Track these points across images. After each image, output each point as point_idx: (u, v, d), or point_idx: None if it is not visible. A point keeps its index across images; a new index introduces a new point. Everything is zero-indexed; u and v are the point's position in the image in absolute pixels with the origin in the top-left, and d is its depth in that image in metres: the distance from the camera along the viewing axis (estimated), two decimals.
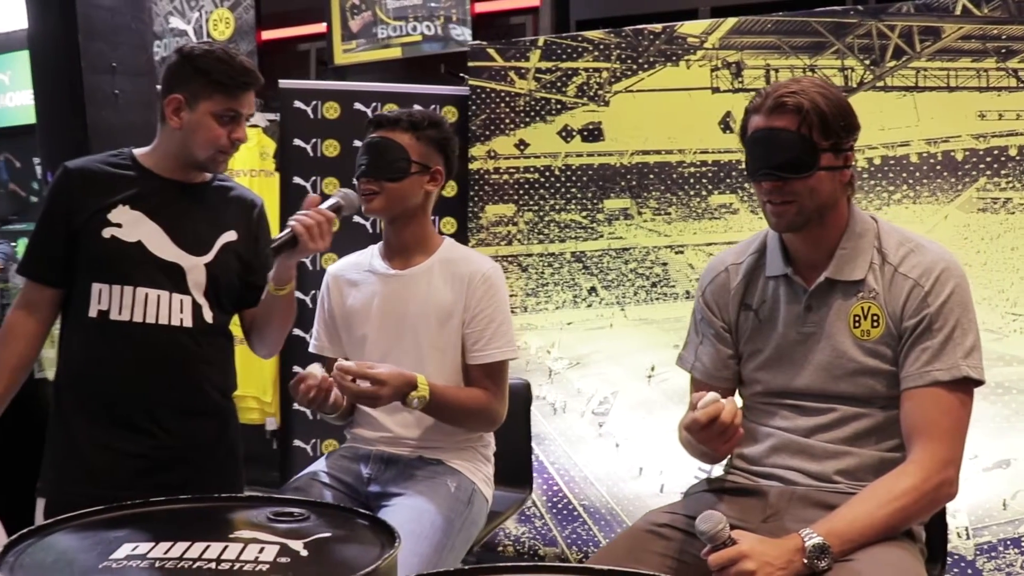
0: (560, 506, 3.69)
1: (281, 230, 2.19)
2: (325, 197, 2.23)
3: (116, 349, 2.20)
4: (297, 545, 1.57)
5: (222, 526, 1.69)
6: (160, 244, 2.21)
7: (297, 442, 3.86)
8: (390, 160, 2.26)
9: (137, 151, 2.30)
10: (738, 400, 1.91)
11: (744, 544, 1.62)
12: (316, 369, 2.15)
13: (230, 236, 2.29)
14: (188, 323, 2.22)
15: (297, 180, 3.91)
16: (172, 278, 2.21)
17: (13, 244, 6.13)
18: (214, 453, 2.30)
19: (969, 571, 3.12)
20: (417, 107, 2.49)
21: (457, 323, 2.30)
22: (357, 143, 3.83)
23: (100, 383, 2.22)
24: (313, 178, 3.87)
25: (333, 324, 2.41)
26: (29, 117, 6.95)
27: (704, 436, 1.75)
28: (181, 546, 1.53)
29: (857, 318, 1.87)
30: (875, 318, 1.86)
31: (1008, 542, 3.10)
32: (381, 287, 2.35)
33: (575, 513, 3.68)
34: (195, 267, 2.23)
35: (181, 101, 2.18)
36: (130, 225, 2.20)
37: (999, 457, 3.14)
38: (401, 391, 2.12)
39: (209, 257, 2.26)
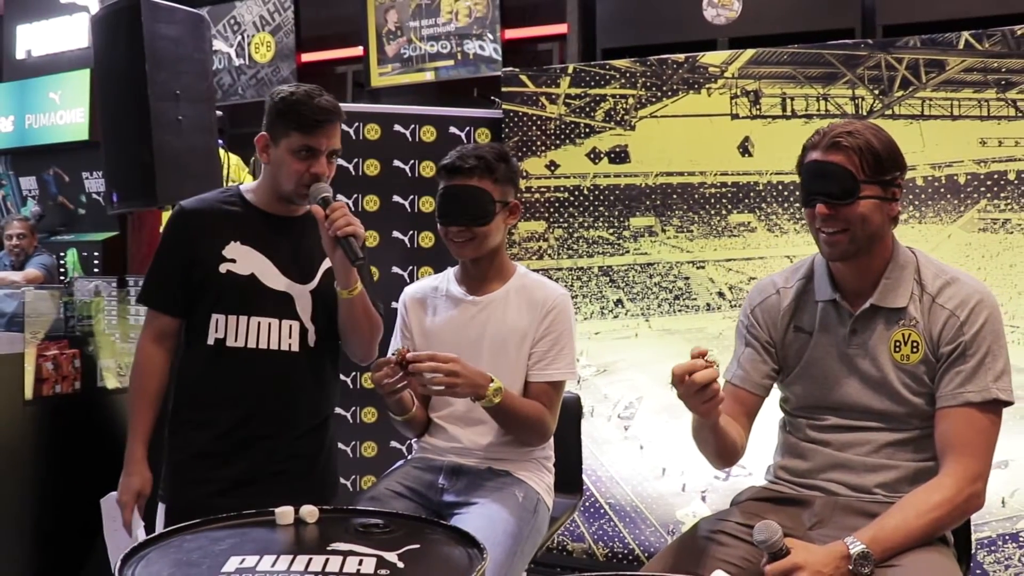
0: (588, 504, 3.69)
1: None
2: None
3: (230, 372, 2.23)
4: (392, 557, 1.57)
5: (317, 539, 1.69)
6: (271, 276, 2.25)
7: (338, 444, 3.84)
8: (477, 206, 2.25)
9: (244, 188, 2.35)
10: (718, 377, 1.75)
11: (798, 556, 1.64)
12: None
13: (330, 262, 2.29)
14: (296, 348, 2.25)
15: (340, 197, 3.88)
16: (282, 306, 2.25)
17: (62, 255, 6.13)
18: (314, 465, 2.32)
19: (971, 564, 3.12)
20: (483, 144, 2.42)
21: (528, 344, 2.30)
22: (397, 163, 3.88)
23: (214, 402, 2.25)
24: (355, 195, 3.86)
25: (413, 343, 2.40)
26: (78, 134, 7.02)
27: (682, 392, 1.68)
28: (285, 559, 1.53)
29: (898, 343, 1.89)
30: (915, 344, 1.88)
31: (1007, 537, 3.12)
32: (458, 312, 2.35)
33: (602, 511, 3.68)
34: (302, 294, 2.27)
35: (267, 139, 2.22)
36: (243, 260, 2.23)
37: (998, 458, 3.07)
38: (476, 384, 2.10)
39: (314, 284, 2.29)
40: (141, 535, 2.20)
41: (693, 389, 1.66)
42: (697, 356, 1.67)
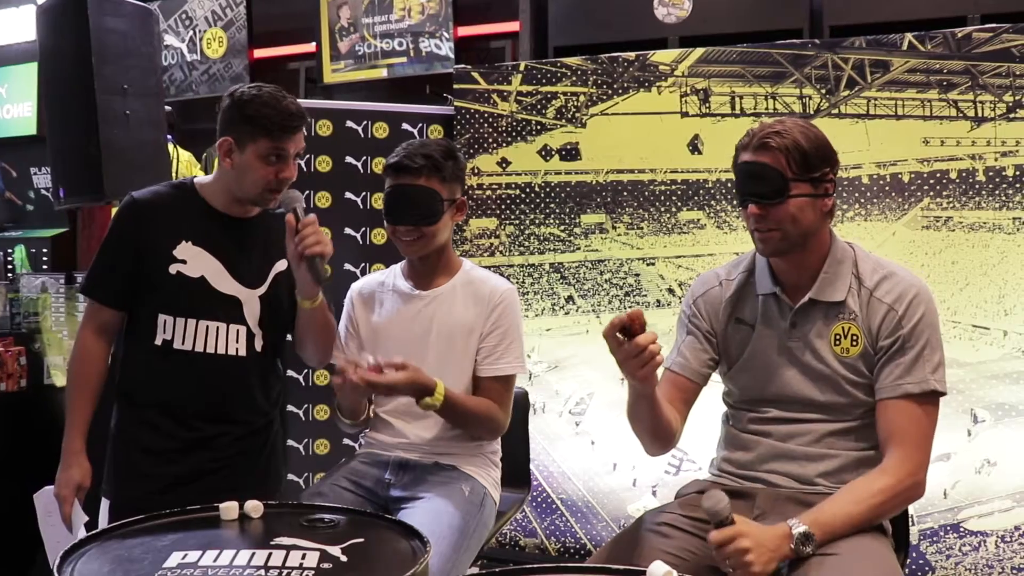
0: (540, 499, 3.71)
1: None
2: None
3: (176, 373, 2.21)
4: (335, 551, 1.57)
5: (261, 533, 1.69)
6: (220, 279, 2.22)
7: (291, 442, 3.82)
8: (426, 205, 2.24)
9: (199, 182, 2.29)
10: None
11: (742, 525, 1.68)
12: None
13: (281, 266, 2.29)
14: (242, 352, 2.24)
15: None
16: (230, 310, 2.23)
17: (10, 251, 6.02)
18: (258, 462, 2.32)
19: (914, 554, 3.19)
20: (429, 140, 2.39)
21: (476, 339, 2.30)
22: (349, 159, 3.87)
23: (159, 401, 2.23)
24: (307, 191, 3.83)
25: (359, 339, 2.40)
26: (26, 128, 6.89)
27: (621, 355, 1.71)
28: (228, 554, 1.54)
29: (838, 337, 1.93)
30: (854, 338, 1.92)
31: (948, 527, 3.18)
32: (405, 306, 2.35)
33: (554, 506, 3.70)
34: (251, 298, 2.24)
35: (231, 143, 2.16)
36: (194, 261, 2.20)
37: (939, 451, 3.20)
38: (415, 391, 2.13)
39: (263, 289, 2.26)
40: (82, 530, 2.18)
41: (634, 352, 1.68)
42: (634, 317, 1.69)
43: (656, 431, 1.95)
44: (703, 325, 2.07)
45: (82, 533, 2.18)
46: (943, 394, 1.89)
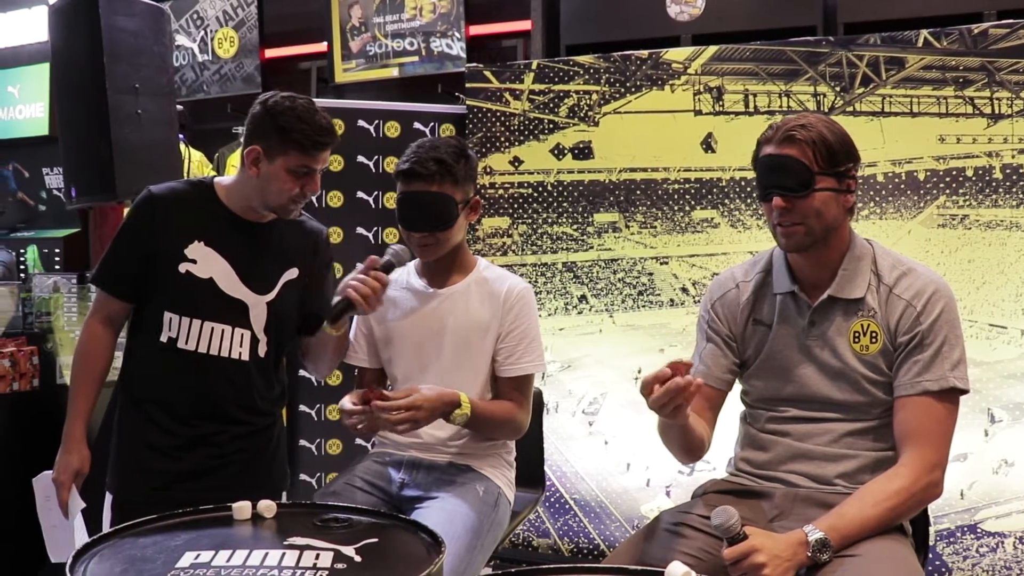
0: (553, 500, 3.69)
1: None
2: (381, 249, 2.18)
3: (179, 372, 2.21)
4: (349, 551, 1.56)
5: (274, 533, 1.67)
6: (229, 282, 2.21)
7: (303, 442, 3.82)
8: (441, 211, 2.22)
9: (218, 183, 2.28)
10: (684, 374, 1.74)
11: (755, 539, 1.65)
12: (347, 403, 2.14)
13: (292, 274, 2.29)
14: (245, 357, 2.23)
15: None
16: (236, 313, 2.22)
17: (22, 251, 6.04)
18: (260, 460, 2.31)
19: (930, 555, 3.16)
20: (440, 141, 2.33)
21: (492, 338, 2.28)
22: (361, 158, 3.86)
23: (162, 398, 2.23)
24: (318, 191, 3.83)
25: (372, 338, 2.38)
26: (38, 129, 6.90)
27: (655, 400, 1.68)
28: (241, 554, 1.52)
29: (857, 334, 1.91)
30: (873, 335, 1.90)
31: (965, 528, 3.16)
32: (420, 304, 2.33)
33: (567, 506, 3.68)
34: (258, 304, 2.23)
35: (260, 152, 2.14)
36: (204, 262, 2.19)
37: (956, 451, 3.15)
38: (441, 411, 2.12)
39: (271, 296, 2.25)
40: (79, 520, 2.19)
41: (660, 402, 1.66)
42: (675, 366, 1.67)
43: (687, 446, 1.95)
44: (722, 330, 2.05)
45: (79, 520, 2.20)
46: (964, 391, 1.87)
